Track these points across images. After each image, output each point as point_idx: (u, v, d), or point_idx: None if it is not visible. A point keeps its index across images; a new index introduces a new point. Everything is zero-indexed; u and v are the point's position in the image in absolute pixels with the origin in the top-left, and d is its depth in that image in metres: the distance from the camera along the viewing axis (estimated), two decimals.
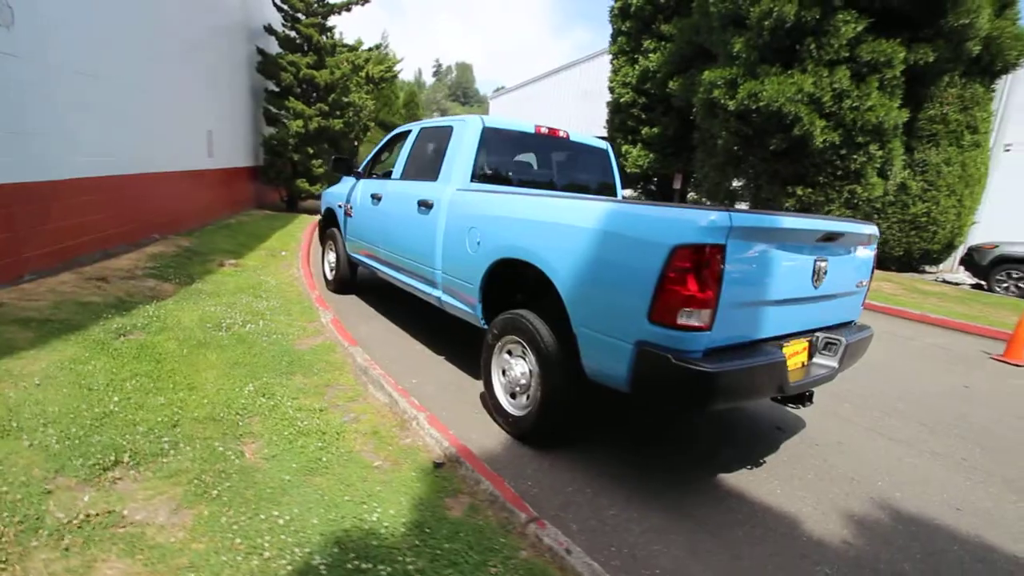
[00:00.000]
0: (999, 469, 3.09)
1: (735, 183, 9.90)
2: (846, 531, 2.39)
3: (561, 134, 4.06)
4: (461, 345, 4.35)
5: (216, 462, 2.27)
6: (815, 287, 2.48)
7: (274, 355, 3.57)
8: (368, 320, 4.89)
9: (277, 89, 10.90)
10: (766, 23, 7.83)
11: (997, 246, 8.76)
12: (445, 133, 3.87)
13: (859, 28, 7.65)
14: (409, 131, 4.48)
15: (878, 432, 3.45)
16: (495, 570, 1.82)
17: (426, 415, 2.83)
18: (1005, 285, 8.67)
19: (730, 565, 2.09)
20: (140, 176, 6.29)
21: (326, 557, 1.78)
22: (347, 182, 5.48)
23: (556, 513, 2.28)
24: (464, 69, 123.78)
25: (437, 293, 3.69)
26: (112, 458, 2.15)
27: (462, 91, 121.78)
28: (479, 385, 3.59)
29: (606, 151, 4.39)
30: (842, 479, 2.82)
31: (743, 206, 11.10)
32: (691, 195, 12.51)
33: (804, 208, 8.91)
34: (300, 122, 10.55)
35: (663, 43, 10.88)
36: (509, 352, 2.98)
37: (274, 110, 10.87)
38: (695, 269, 1.98)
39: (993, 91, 9.78)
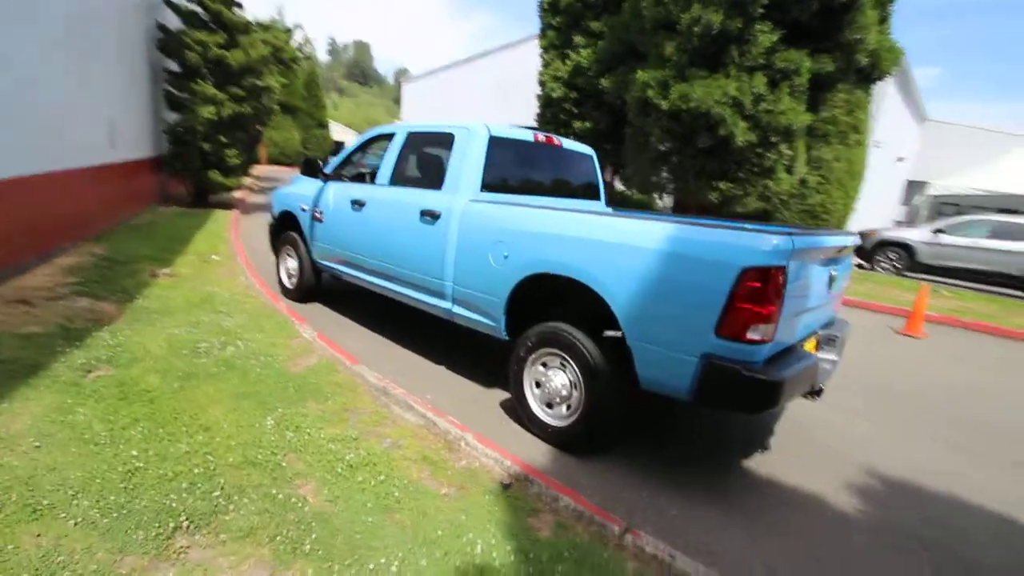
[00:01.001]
0: (939, 432, 3.72)
1: (664, 177, 10.55)
2: (856, 500, 2.78)
3: (556, 142, 4.12)
4: (456, 352, 4.31)
5: (285, 512, 2.10)
6: (828, 293, 2.81)
7: (275, 381, 3.31)
8: (348, 331, 4.65)
9: (180, 70, 9.71)
10: (695, 29, 8.38)
11: (877, 231, 10.27)
12: (444, 140, 3.76)
13: (774, 38, 8.44)
14: (392, 134, 4.27)
15: (838, 408, 3.97)
16: None
17: (473, 434, 2.81)
18: (885, 265, 10.24)
19: (789, 545, 2.35)
20: (41, 176, 5.36)
21: None
22: (308, 183, 5.11)
23: (625, 519, 2.40)
24: (361, 48, 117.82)
25: (446, 305, 3.62)
26: (170, 524, 1.91)
27: (360, 71, 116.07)
28: (494, 394, 3.62)
29: (591, 156, 4.52)
30: (832, 454, 3.23)
31: (668, 199, 11.89)
32: (621, 188, 13.12)
33: (725, 201, 9.75)
34: (212, 108, 9.50)
35: (593, 39, 11.21)
36: (544, 364, 3.03)
37: (178, 93, 9.68)
38: (763, 289, 2.17)
39: (870, 96, 11.31)
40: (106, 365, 3.18)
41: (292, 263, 5.36)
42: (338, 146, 46.55)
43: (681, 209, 11.65)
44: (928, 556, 2.38)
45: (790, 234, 2.21)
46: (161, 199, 10.23)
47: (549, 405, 3.03)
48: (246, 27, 10.19)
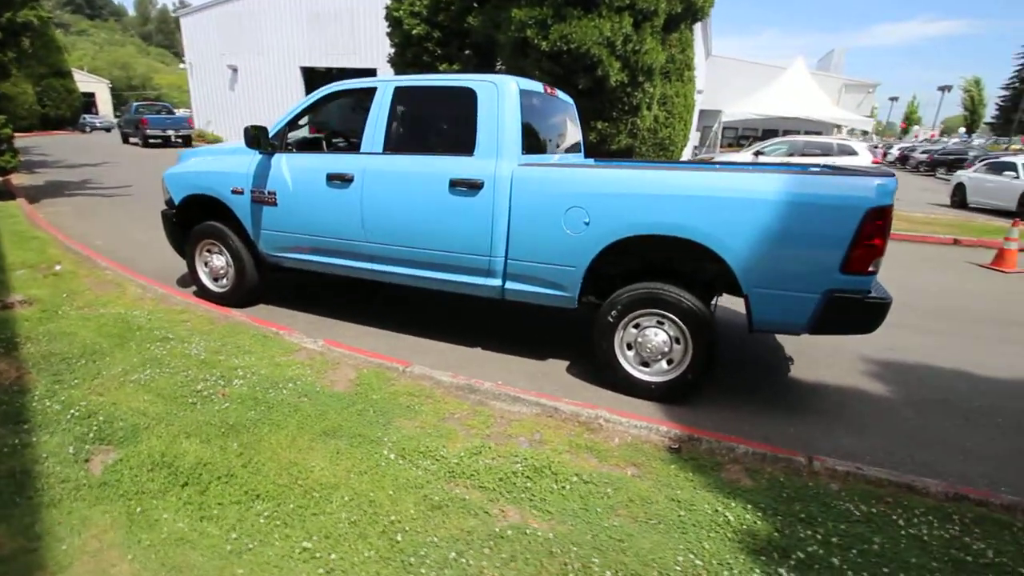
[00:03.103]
0: None
1: None
2: (879, 384, 3.47)
3: (554, 92, 3.91)
4: (480, 330, 4.07)
5: (533, 546, 1.86)
6: None
7: (341, 408, 2.75)
8: (334, 330, 3.99)
9: None
10: None
11: (713, 157, 12.06)
12: (457, 96, 3.29)
13: None
14: (368, 90, 3.56)
15: None
16: (846, 505, 2.15)
17: (605, 410, 2.75)
18: None
19: (879, 432, 2.87)
20: None
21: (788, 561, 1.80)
22: (232, 158, 4.06)
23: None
24: None
25: (494, 283, 3.33)
26: None
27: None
28: (554, 365, 3.57)
29: (573, 105, 4.40)
30: (838, 352, 3.91)
31: None
32: None
33: (602, 139, 10.36)
34: None
35: None
36: (637, 325, 3.05)
37: None
38: (882, 226, 2.48)
39: (693, 35, 12.78)
40: (102, 446, 2.28)
41: (219, 261, 4.30)
42: (88, 99, 36.46)
43: None
44: (957, 411, 3.13)
45: (890, 175, 2.54)
46: None
47: (645, 364, 3.09)
48: None
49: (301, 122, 3.95)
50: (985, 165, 12.50)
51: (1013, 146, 27.22)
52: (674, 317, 2.91)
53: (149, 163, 15.24)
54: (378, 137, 3.49)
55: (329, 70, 21.05)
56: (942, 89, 32.31)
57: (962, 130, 41.81)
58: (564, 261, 3.08)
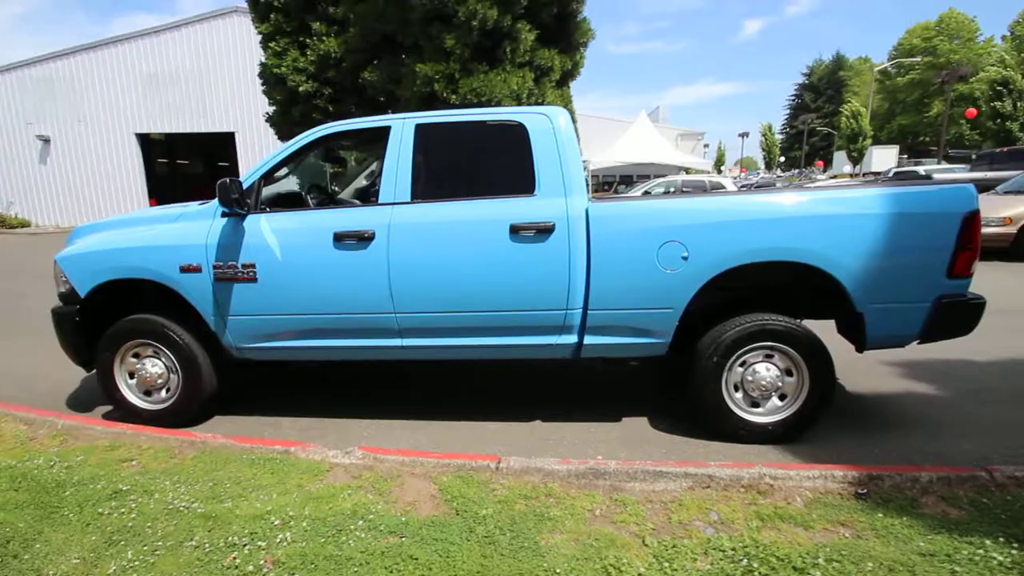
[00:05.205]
0: None
1: None
2: (922, 384, 3.60)
3: None
4: (511, 399, 3.49)
5: None
6: None
7: (461, 541, 2.00)
8: (343, 431, 3.11)
9: None
10: (474, 23, 8.47)
11: (647, 192, 12.88)
12: (507, 132, 2.85)
13: (531, 38, 9.30)
14: (383, 129, 2.94)
15: None
16: None
17: (764, 466, 2.38)
18: None
19: (969, 430, 2.92)
20: None
21: None
22: (176, 226, 3.07)
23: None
24: None
25: (568, 340, 2.85)
26: None
27: None
28: (637, 423, 3.13)
29: None
30: (859, 359, 4.01)
31: None
32: None
33: None
34: None
35: (336, 27, 9.88)
36: (743, 363, 2.78)
37: None
38: (976, 228, 2.57)
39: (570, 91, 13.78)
40: None
41: (155, 367, 3.15)
42: None
43: None
44: (1003, 398, 3.34)
45: (969, 183, 2.67)
46: None
47: (755, 404, 2.82)
48: None
49: (275, 175, 3.13)
50: None
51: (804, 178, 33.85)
52: (787, 348, 2.70)
53: None
54: (403, 183, 2.86)
55: (172, 136, 18.70)
56: (742, 135, 39.81)
57: (785, 163, 51.02)
58: (659, 303, 2.72)
